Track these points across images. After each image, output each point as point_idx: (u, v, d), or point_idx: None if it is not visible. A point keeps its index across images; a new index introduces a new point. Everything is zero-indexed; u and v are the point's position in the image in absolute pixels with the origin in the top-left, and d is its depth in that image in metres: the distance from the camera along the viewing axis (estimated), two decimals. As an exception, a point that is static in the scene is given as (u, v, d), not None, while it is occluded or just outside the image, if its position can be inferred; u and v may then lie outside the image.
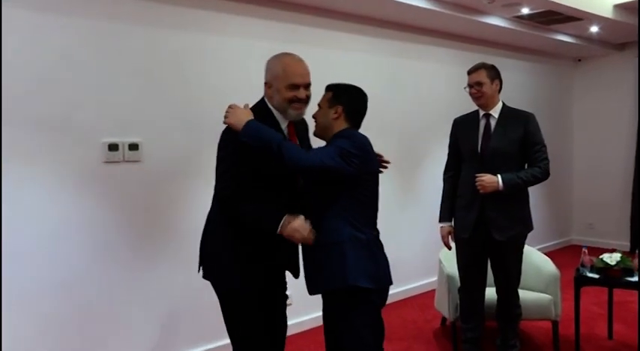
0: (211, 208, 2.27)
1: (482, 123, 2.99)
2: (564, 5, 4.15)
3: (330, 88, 2.23)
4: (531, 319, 3.43)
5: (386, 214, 4.28)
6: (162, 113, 3.22)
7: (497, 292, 3.12)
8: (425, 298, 4.54)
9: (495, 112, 2.97)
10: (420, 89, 4.70)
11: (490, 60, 5.20)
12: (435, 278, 4.13)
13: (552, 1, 4.05)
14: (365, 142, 2.14)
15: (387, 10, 4.02)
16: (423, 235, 4.65)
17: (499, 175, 2.83)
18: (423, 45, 4.69)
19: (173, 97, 3.26)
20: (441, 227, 3.12)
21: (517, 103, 5.57)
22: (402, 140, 4.55)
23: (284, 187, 2.15)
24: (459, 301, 3.22)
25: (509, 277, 3.04)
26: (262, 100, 2.20)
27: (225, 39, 3.49)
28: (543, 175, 2.88)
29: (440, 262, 3.64)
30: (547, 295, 3.37)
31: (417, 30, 4.58)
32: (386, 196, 4.28)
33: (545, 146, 2.94)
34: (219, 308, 2.26)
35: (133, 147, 3.09)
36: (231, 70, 3.49)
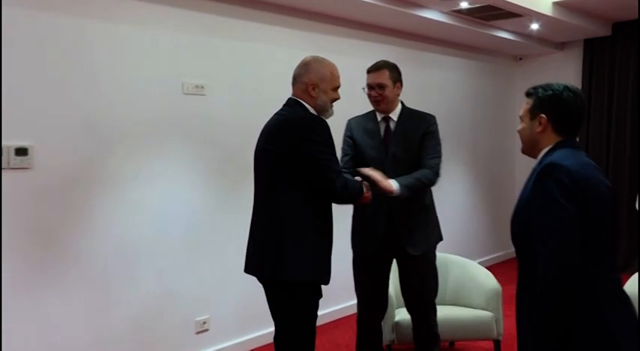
0: (288, 215, 2.36)
1: (383, 127, 2.94)
2: (504, 0, 4.19)
3: (529, 93, 1.95)
4: (470, 338, 3.40)
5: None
6: (59, 112, 2.95)
7: (411, 312, 3.05)
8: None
9: (395, 115, 2.93)
10: (349, 88, 4.58)
11: (427, 57, 5.34)
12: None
13: (491, -4, 4.09)
14: (585, 170, 1.78)
15: (312, 0, 3.92)
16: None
17: (391, 180, 2.70)
18: (354, 40, 4.60)
19: (74, 93, 3.01)
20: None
21: (457, 102, 5.78)
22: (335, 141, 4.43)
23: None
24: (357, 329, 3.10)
25: (428, 294, 2.98)
26: (295, 99, 2.45)
27: (136, 29, 3.28)
28: (433, 177, 2.84)
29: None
30: (488, 313, 3.35)
31: (347, 23, 4.50)
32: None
33: (440, 146, 2.91)
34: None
35: (21, 152, 2.81)
36: (142, 64, 3.30)
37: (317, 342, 3.88)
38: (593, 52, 5.93)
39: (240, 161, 3.78)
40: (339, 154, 2.54)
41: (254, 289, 3.83)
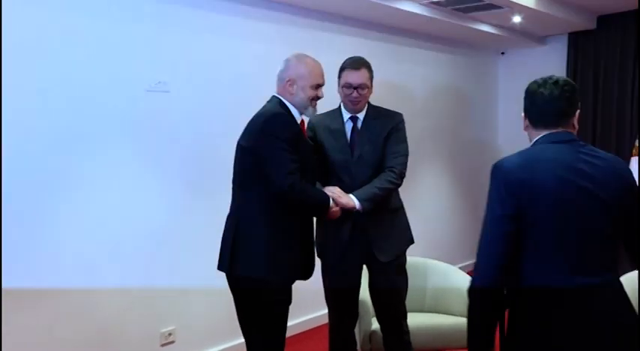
0: (243, 212, 2.41)
1: (349, 127, 2.83)
2: (485, -9, 4.14)
3: None
4: (451, 347, 3.32)
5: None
6: (13, 110, 2.82)
7: (381, 321, 2.96)
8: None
9: (361, 114, 2.83)
10: (327, 83, 4.49)
11: (405, 51, 5.24)
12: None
13: (471, -14, 4.01)
14: (527, 169, 1.75)
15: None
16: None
17: (351, 195, 2.61)
18: (329, 33, 4.50)
19: (28, 89, 2.90)
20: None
21: (438, 98, 5.67)
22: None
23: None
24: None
25: (398, 301, 2.90)
26: (275, 96, 2.48)
27: (95, 22, 3.15)
28: (396, 179, 2.74)
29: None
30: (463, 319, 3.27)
31: (321, 15, 4.39)
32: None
33: (406, 143, 2.82)
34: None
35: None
36: (101, 59, 3.18)
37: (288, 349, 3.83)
38: (578, 46, 5.88)
39: (207, 162, 3.69)
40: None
41: (221, 298, 3.73)
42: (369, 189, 2.65)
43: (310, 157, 2.49)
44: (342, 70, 2.81)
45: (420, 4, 4.47)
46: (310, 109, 2.50)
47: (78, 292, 3.09)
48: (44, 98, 2.96)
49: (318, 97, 2.50)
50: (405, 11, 4.42)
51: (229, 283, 2.47)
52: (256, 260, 2.34)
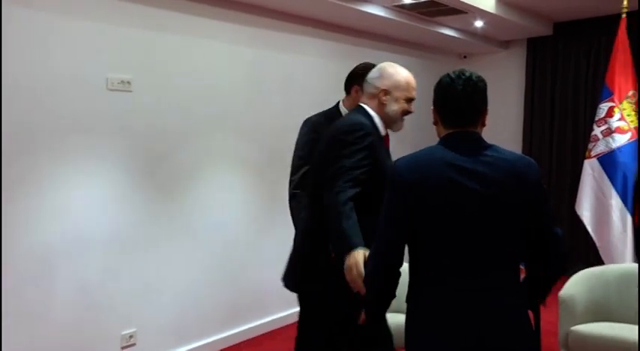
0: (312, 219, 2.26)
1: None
2: (448, -5, 4.15)
3: None
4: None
5: (248, 233, 4.08)
6: None
7: None
8: (293, 328, 4.31)
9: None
10: (289, 85, 4.44)
11: (371, 54, 5.19)
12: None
13: (435, -9, 4.01)
14: (417, 169, 1.71)
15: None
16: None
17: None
18: (295, 35, 4.45)
19: None
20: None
21: None
22: (266, 143, 4.25)
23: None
24: None
25: None
26: (360, 106, 2.31)
27: (57, 18, 3.04)
28: None
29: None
30: None
31: (286, 16, 4.34)
32: (247, 211, 4.06)
33: None
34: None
35: None
36: (61, 56, 3.08)
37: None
38: (536, 51, 5.99)
39: (170, 163, 3.61)
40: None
41: (182, 300, 3.73)
42: None
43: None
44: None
45: (386, 7, 4.46)
46: (400, 123, 2.35)
47: (34, 294, 3.00)
48: (2, 96, 2.84)
49: (409, 112, 2.35)
50: (372, 14, 4.41)
51: None
52: None
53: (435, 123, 1.81)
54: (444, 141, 1.75)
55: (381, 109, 2.27)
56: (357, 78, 2.66)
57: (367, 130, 2.17)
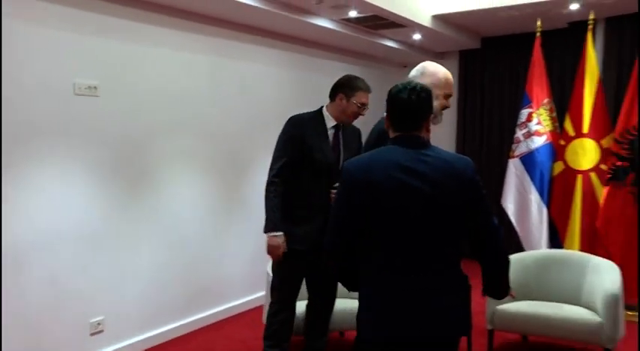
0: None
1: (331, 133, 3.02)
2: (388, 11, 4.40)
3: None
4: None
5: (208, 226, 4.30)
6: None
7: (314, 306, 3.24)
8: (253, 314, 4.51)
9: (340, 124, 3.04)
10: (245, 91, 4.62)
11: (319, 63, 5.49)
12: (263, 293, 4.12)
13: (377, 6, 4.26)
14: (365, 169, 1.85)
15: (208, 4, 3.90)
16: (249, 247, 4.61)
17: None
18: (251, 44, 4.64)
19: None
20: (275, 236, 2.95)
21: None
22: (224, 145, 4.43)
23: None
24: (267, 321, 3.15)
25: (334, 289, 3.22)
26: None
27: (24, 25, 3.08)
28: None
29: (268, 274, 3.61)
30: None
31: (242, 28, 4.52)
32: (208, 207, 4.30)
33: None
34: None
35: None
36: (29, 62, 3.12)
37: (212, 339, 3.96)
38: (467, 62, 6.39)
39: (135, 163, 3.73)
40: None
41: (147, 289, 3.88)
42: None
43: None
44: (356, 88, 2.98)
45: (334, 21, 4.68)
46: (440, 117, 2.48)
47: (6, 281, 3.03)
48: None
49: (446, 107, 2.49)
50: (321, 27, 4.62)
51: None
52: None
53: (387, 127, 1.96)
54: (391, 143, 1.90)
55: None
56: (342, 87, 2.98)
57: None
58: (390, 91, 1.95)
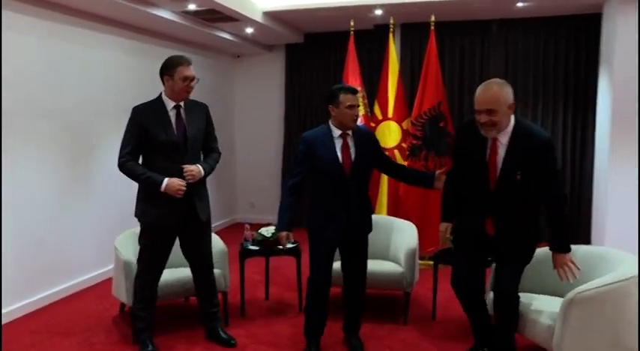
0: None
1: (173, 114, 3.15)
2: (224, 6, 4.65)
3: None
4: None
5: (56, 205, 4.27)
6: None
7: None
8: (102, 287, 4.54)
9: (182, 103, 3.18)
10: (89, 77, 4.59)
11: (160, 52, 5.57)
12: (111, 266, 4.18)
13: (214, 1, 4.49)
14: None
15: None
16: (96, 224, 4.65)
17: (199, 165, 3.17)
18: (94, 31, 4.61)
19: None
20: (166, 184, 3.06)
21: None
22: (70, 129, 4.39)
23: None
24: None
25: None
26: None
27: None
28: (219, 159, 3.39)
29: (116, 248, 3.69)
30: (217, 270, 3.58)
31: (89, 16, 4.49)
32: (55, 188, 4.29)
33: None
34: None
35: None
36: None
37: (63, 312, 3.95)
38: (293, 55, 6.89)
39: None
40: None
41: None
42: (206, 164, 3.26)
43: None
44: (175, 65, 3.13)
45: (175, 12, 4.81)
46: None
47: None
48: None
49: (479, 123, 2.73)
50: (163, 18, 4.74)
51: None
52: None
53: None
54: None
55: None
56: (164, 69, 3.18)
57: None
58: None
